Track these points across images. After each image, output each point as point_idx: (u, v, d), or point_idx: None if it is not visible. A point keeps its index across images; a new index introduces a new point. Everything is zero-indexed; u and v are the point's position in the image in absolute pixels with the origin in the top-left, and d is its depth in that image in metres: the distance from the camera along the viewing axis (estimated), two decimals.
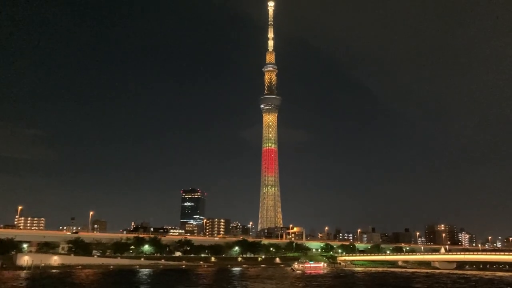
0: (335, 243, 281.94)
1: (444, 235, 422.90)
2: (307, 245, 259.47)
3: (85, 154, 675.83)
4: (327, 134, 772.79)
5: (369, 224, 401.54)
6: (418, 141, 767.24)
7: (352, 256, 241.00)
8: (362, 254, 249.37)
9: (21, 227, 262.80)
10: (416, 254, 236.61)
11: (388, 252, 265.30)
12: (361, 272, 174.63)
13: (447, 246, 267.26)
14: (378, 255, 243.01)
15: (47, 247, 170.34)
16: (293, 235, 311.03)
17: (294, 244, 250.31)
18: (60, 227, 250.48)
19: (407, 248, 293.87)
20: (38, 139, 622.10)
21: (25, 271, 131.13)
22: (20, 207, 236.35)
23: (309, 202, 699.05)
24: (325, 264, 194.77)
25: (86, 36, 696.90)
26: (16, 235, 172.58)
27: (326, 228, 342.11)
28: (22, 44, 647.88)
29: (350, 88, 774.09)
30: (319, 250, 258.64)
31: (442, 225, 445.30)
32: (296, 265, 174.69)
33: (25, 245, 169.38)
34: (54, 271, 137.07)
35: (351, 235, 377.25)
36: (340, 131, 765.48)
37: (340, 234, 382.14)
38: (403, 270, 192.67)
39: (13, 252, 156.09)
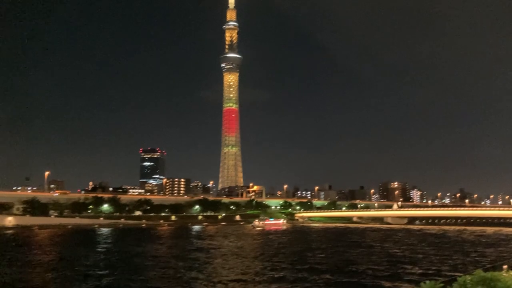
0: (293, 201, 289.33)
1: (397, 192, 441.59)
2: (266, 203, 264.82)
3: (36, 109, 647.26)
4: (286, 93, 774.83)
5: (326, 182, 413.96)
6: (374, 101, 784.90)
7: (309, 212, 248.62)
8: (319, 211, 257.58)
9: None
10: (370, 210, 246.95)
11: (344, 208, 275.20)
12: (318, 227, 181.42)
13: (399, 203, 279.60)
14: (334, 211, 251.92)
15: (0, 208, 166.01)
16: (253, 193, 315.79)
17: (254, 202, 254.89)
18: (14, 188, 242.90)
19: (362, 205, 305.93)
20: None
21: None
22: None
23: (269, 161, 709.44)
24: (285, 221, 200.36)
25: None
26: None
27: (285, 186, 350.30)
28: None
29: (311, 48, 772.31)
30: (278, 207, 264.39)
31: (395, 183, 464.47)
32: (256, 222, 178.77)
33: None
34: (8, 232, 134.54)
35: (309, 192, 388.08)
36: (299, 91, 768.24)
37: (299, 192, 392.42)
38: (358, 225, 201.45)
39: None
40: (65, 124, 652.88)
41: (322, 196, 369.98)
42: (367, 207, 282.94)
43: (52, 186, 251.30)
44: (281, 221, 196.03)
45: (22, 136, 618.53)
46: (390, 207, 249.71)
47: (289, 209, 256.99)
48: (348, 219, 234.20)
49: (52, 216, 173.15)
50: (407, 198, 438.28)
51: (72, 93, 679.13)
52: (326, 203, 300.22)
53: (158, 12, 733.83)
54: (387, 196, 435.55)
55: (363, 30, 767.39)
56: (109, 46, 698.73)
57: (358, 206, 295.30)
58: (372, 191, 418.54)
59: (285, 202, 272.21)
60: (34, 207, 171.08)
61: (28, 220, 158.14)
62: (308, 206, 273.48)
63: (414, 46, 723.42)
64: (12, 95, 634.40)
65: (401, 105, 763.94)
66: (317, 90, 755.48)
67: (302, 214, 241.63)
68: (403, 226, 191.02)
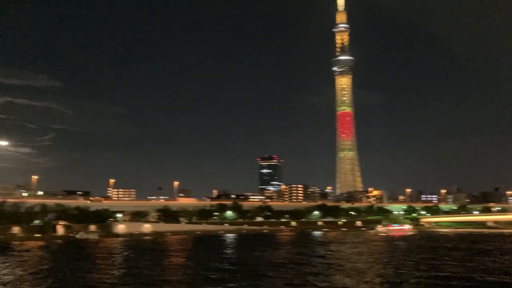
0: (417, 205, 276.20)
1: None
2: (388, 208, 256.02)
3: (165, 128, 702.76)
4: (403, 93, 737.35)
5: (453, 184, 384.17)
6: (505, 93, 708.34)
7: (436, 217, 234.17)
8: (447, 215, 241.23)
9: (114, 198, 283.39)
10: (508, 214, 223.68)
11: (475, 212, 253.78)
12: (447, 233, 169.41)
13: None
14: (464, 216, 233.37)
15: (138, 216, 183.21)
16: (373, 198, 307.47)
17: (374, 207, 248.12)
18: (149, 197, 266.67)
19: (497, 208, 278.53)
20: (118, 115, 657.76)
21: (122, 238, 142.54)
22: (112, 180, 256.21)
23: (388, 164, 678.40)
24: (410, 226, 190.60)
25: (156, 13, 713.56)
26: (111, 206, 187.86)
27: (408, 190, 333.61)
28: (98, 26, 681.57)
29: (425, 44, 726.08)
30: (401, 212, 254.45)
31: None
32: (380, 228, 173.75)
33: (119, 215, 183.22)
34: (146, 237, 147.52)
35: (434, 196, 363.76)
36: (416, 89, 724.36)
37: (423, 196, 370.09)
38: (493, 230, 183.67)
39: (109, 221, 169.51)
40: (187, 137, 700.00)
41: (450, 200, 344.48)
42: (503, 211, 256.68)
43: (180, 194, 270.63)
44: (406, 226, 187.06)
45: (152, 150, 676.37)
46: None
47: (413, 214, 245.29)
48: (481, 224, 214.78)
49: (182, 223, 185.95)
50: None
51: (192, 110, 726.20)
52: (454, 207, 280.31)
53: (261, 19, 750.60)
54: None
55: (480, 21, 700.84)
56: (217, 54, 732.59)
57: (493, 209, 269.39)
58: (509, 192, 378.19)
59: (409, 206, 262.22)
60: (166, 214, 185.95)
61: (162, 226, 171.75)
62: (434, 211, 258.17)
63: None
64: (139, 116, 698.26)
65: None
66: (437, 86, 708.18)
67: (429, 219, 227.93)
68: None
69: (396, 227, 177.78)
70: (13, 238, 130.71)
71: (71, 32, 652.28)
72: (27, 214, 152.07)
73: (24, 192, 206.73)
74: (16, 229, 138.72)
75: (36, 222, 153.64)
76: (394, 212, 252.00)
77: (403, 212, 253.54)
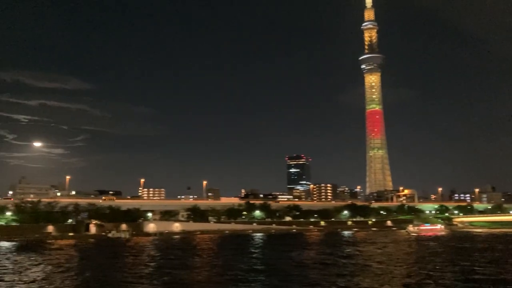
0: (450, 204, 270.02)
1: None
2: (419, 207, 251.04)
3: (192, 127, 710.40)
4: (434, 89, 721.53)
5: (488, 183, 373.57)
6: None
7: (470, 217, 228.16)
8: (481, 215, 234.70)
9: (145, 197, 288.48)
10: None
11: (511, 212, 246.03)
12: (482, 233, 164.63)
13: None
14: (500, 215, 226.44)
15: (168, 215, 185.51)
16: (404, 197, 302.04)
17: (405, 207, 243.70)
18: (178, 196, 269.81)
19: None
20: (147, 116, 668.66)
21: (152, 237, 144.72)
22: (142, 180, 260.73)
23: (419, 162, 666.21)
24: (442, 226, 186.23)
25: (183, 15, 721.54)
26: (142, 205, 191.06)
27: (440, 189, 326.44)
28: (126, 28, 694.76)
29: (455, 39, 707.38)
30: (433, 212, 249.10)
31: None
32: (411, 228, 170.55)
33: (149, 214, 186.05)
34: (176, 236, 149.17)
35: (467, 195, 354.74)
36: (448, 85, 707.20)
37: (455, 195, 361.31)
38: None
39: (140, 220, 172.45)
40: (217, 137, 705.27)
41: (484, 199, 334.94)
42: None
43: (209, 194, 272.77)
44: (438, 226, 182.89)
45: (181, 150, 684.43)
46: None
47: (446, 214, 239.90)
48: None
49: (211, 222, 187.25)
50: None
51: (221, 110, 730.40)
52: (489, 207, 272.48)
53: (293, 16, 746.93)
54: None
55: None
56: (245, 52, 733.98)
57: None
58: None
59: (441, 206, 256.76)
60: (195, 213, 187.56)
61: (191, 226, 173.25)
62: (467, 210, 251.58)
63: None
64: (166, 116, 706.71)
65: None
66: (468, 81, 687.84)
67: (462, 219, 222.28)
68: None
69: (427, 227, 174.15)
70: (47, 237, 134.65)
71: (100, 36, 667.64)
72: (61, 214, 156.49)
73: (57, 192, 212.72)
74: (50, 228, 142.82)
75: (70, 221, 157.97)
76: (425, 212, 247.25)
77: (435, 212, 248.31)
